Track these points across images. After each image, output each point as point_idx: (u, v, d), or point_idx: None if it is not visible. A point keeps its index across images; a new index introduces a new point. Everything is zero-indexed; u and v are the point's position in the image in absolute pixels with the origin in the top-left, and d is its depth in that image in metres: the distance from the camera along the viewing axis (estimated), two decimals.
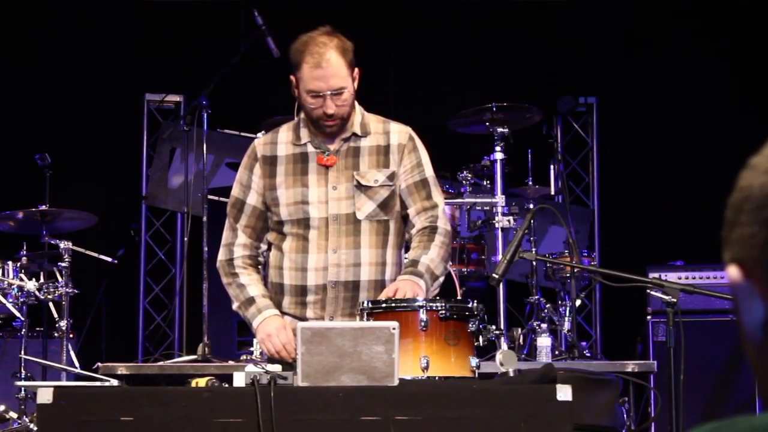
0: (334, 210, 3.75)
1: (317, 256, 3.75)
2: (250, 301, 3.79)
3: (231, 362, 5.84)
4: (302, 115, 3.83)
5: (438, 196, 3.87)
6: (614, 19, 7.89)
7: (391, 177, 3.80)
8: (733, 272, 1.09)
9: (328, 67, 3.67)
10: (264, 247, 3.89)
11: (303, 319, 3.75)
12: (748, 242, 1.07)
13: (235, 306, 3.85)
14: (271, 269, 3.86)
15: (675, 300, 3.39)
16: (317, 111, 3.71)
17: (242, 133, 7.41)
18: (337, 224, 3.75)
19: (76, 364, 5.85)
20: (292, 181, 3.78)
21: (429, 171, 3.86)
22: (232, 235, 3.87)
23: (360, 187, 3.77)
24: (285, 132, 3.86)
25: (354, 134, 3.80)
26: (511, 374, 3.37)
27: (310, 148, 3.80)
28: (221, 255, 3.89)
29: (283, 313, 3.82)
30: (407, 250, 3.93)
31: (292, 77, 3.77)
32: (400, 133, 3.85)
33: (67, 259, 6.00)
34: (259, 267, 3.92)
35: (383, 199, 3.79)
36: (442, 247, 3.80)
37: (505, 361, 3.39)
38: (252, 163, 3.85)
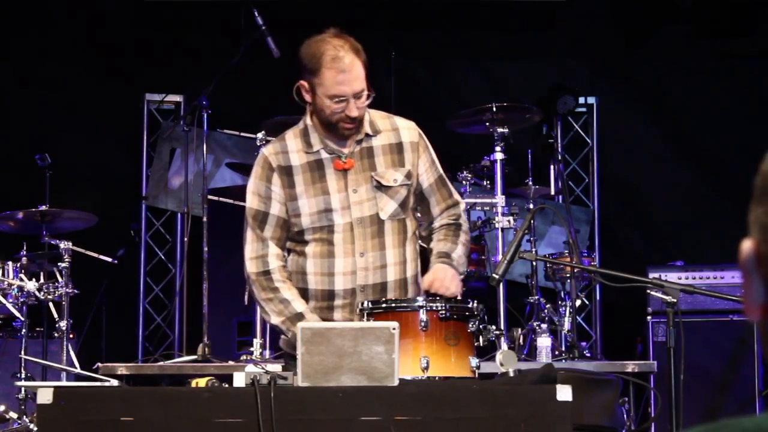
0: (357, 213, 3.73)
1: (344, 261, 3.72)
2: (299, 316, 3.66)
3: (231, 362, 5.85)
4: (308, 121, 3.78)
5: (456, 193, 3.95)
6: (615, 19, 7.88)
7: (408, 176, 3.80)
8: (746, 246, 1.12)
9: (351, 71, 3.64)
10: (287, 256, 3.83)
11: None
12: (765, 230, 1.10)
13: (277, 320, 3.71)
14: (293, 274, 3.79)
15: (675, 300, 3.39)
16: (338, 115, 3.67)
17: (242, 133, 7.40)
18: (361, 227, 3.73)
19: (76, 364, 5.84)
20: (312, 190, 3.73)
21: (440, 167, 3.92)
22: (261, 246, 3.76)
23: (380, 187, 3.75)
24: (293, 140, 3.80)
25: (366, 134, 3.78)
26: (511, 374, 3.37)
27: (323, 155, 3.75)
28: (253, 267, 3.76)
29: None
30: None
31: (304, 82, 3.71)
32: (409, 129, 3.85)
33: (67, 259, 5.99)
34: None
35: (403, 199, 3.79)
36: (465, 245, 3.90)
37: (505, 361, 3.39)
38: (269, 174, 3.77)
